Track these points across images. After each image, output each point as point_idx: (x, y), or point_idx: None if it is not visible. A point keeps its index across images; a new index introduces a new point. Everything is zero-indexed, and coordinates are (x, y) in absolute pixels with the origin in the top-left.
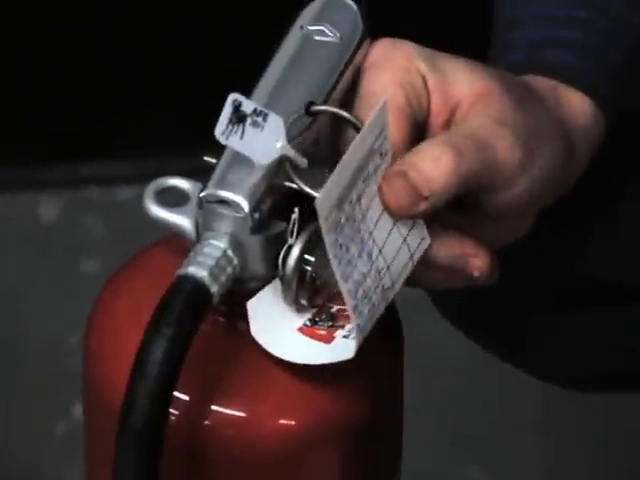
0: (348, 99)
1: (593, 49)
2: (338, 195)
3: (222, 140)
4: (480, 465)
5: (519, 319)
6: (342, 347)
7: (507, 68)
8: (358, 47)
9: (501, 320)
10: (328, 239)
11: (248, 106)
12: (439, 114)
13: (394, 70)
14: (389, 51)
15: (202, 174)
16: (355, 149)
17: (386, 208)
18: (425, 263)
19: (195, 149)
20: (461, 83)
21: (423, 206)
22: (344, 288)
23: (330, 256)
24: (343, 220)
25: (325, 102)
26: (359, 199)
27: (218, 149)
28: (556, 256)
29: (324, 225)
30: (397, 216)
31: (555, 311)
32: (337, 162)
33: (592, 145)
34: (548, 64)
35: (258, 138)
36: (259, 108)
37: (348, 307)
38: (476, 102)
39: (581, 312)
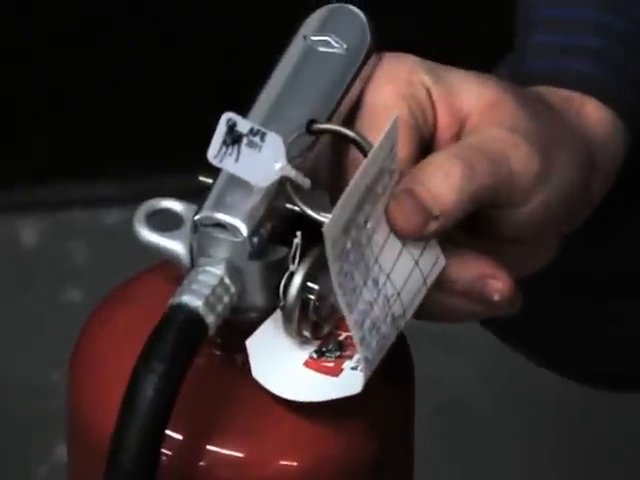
0: (352, 115)
1: (615, 56)
2: (346, 220)
3: (215, 163)
4: None
5: (544, 314)
6: (350, 380)
7: (526, 74)
8: (366, 60)
9: (527, 317)
10: (334, 268)
11: (244, 126)
12: (447, 128)
13: (396, 83)
14: (391, 65)
15: (197, 195)
16: (365, 170)
17: (393, 230)
18: (438, 287)
19: (189, 168)
20: (469, 94)
21: (434, 226)
22: (350, 320)
23: (335, 286)
24: (349, 246)
25: (330, 119)
26: (366, 222)
27: (214, 168)
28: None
29: (331, 253)
30: (406, 237)
31: (581, 306)
32: (337, 183)
33: (615, 158)
34: (567, 73)
35: (256, 159)
36: (256, 127)
37: (355, 339)
38: (485, 114)
39: (609, 303)
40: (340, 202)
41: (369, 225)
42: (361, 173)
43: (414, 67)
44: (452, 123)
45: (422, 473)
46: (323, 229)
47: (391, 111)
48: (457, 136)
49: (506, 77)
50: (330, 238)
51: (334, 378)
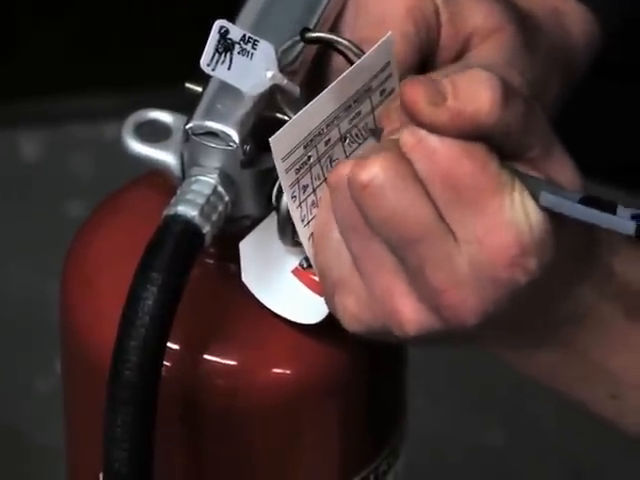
0: (356, 19)
1: None
2: (308, 132)
3: (208, 71)
4: (502, 430)
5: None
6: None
7: None
8: None
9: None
10: (285, 179)
11: (236, 33)
12: (448, 48)
13: None
14: None
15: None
16: (343, 83)
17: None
18: None
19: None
20: (474, 18)
21: None
22: (302, 234)
23: (287, 198)
24: (313, 159)
25: (317, 24)
26: (343, 138)
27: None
28: None
29: (280, 165)
30: None
31: None
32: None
33: (591, 55)
34: None
35: (247, 67)
36: (248, 35)
37: (308, 254)
38: (488, 39)
39: None
40: (297, 116)
41: (348, 141)
42: (333, 88)
43: None
44: (454, 44)
45: (422, 395)
46: (270, 140)
47: (396, 25)
48: (456, 57)
49: None
50: (278, 150)
51: (318, 297)
